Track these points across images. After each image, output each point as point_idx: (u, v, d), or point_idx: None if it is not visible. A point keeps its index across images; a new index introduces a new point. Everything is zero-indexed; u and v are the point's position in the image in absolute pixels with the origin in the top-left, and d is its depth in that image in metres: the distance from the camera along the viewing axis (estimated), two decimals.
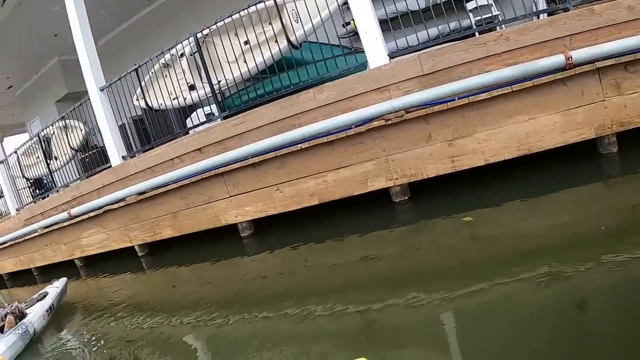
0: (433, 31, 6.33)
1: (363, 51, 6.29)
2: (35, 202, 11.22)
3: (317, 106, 6.20)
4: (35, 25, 11.53)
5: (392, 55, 6.10)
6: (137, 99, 8.55)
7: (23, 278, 11.83)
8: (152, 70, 8.30)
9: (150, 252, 8.70)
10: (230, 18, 7.06)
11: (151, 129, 8.46)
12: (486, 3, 8.24)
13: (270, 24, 7.05)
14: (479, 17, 7.88)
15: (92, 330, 5.95)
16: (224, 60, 7.25)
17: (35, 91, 15.50)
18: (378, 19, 6.26)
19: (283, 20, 6.85)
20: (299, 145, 6.28)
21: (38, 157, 10.97)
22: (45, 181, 11.66)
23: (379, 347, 3.41)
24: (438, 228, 5.38)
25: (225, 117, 7.17)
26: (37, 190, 11.78)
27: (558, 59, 5.23)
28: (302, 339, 4.04)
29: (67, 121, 10.00)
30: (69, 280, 7.88)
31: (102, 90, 8.43)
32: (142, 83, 8.23)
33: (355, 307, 4.14)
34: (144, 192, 7.90)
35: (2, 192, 12.47)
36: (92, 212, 8.78)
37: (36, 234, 10.35)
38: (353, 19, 6.50)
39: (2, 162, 11.97)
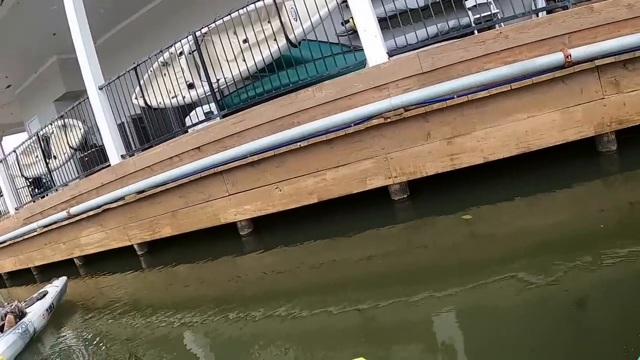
0: (432, 29, 6.33)
1: (362, 49, 6.27)
2: (34, 202, 11.22)
3: (316, 104, 6.20)
4: (34, 24, 11.51)
5: (391, 54, 6.09)
6: (136, 98, 8.54)
7: (22, 277, 11.83)
8: (151, 68, 8.28)
9: (149, 251, 8.69)
10: (229, 16, 7.04)
11: (150, 127, 8.46)
12: (485, 1, 8.25)
13: (269, 22, 7.04)
14: (477, 15, 7.88)
15: (91, 329, 5.95)
16: (223, 59, 7.24)
17: (34, 90, 15.49)
18: (377, 17, 6.25)
19: (282, 18, 6.84)
20: (298, 143, 6.28)
21: (37, 156, 10.96)
22: (44, 180, 11.64)
23: (379, 346, 3.41)
24: (437, 226, 5.39)
25: (224, 116, 7.17)
26: (36, 190, 11.77)
27: (557, 57, 5.22)
28: (302, 337, 4.05)
29: (66, 120, 9.99)
30: (68, 279, 7.88)
31: (100, 89, 8.42)
32: (141, 82, 8.22)
33: (354, 305, 4.15)
34: (143, 191, 7.90)
35: (1, 192, 12.46)
36: (91, 211, 8.78)
37: (35, 233, 10.35)
38: (352, 17, 6.49)
39: (1, 161, 11.98)
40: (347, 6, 6.32)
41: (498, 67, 5.44)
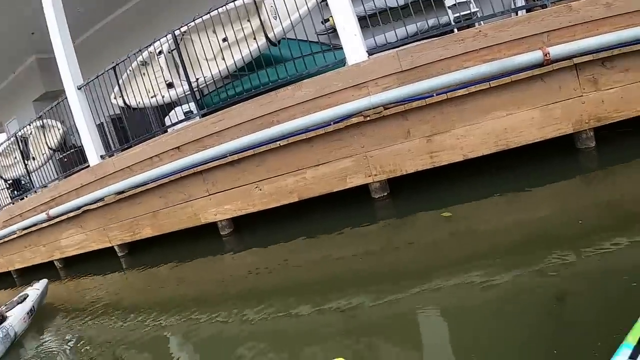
0: (412, 28, 6.32)
1: (342, 48, 6.26)
2: (13, 204, 11.06)
3: (295, 103, 6.16)
4: (12, 24, 11.33)
5: (370, 52, 6.08)
6: (115, 98, 8.46)
7: (2, 281, 11.61)
8: (130, 68, 8.21)
9: (130, 252, 8.60)
10: (208, 15, 7.01)
11: (130, 127, 8.37)
12: (465, 0, 8.26)
13: (248, 21, 7.02)
14: (457, 14, 7.90)
15: (73, 332, 5.90)
16: (203, 58, 7.21)
17: (13, 90, 15.21)
18: (357, 16, 6.24)
19: (261, 17, 6.81)
20: (278, 142, 6.24)
21: (16, 158, 10.81)
22: (23, 182, 11.50)
23: (359, 345, 3.41)
24: (417, 224, 5.40)
25: (203, 115, 7.11)
26: (16, 192, 11.63)
27: (536, 55, 5.25)
28: (282, 337, 4.03)
29: (45, 121, 9.88)
30: (49, 282, 7.79)
31: (79, 88, 8.31)
32: (120, 81, 8.14)
33: (335, 304, 4.14)
34: (122, 192, 7.80)
35: None
36: (71, 213, 8.67)
37: (15, 235, 10.17)
38: (332, 16, 6.48)
39: None
40: (327, 5, 6.30)
41: (477, 65, 5.46)
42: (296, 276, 5.28)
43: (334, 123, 5.96)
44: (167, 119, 8.17)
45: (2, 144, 11.23)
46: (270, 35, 6.90)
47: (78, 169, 9.02)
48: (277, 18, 6.88)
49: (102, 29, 13.09)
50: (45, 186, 9.97)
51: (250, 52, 6.97)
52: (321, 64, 6.39)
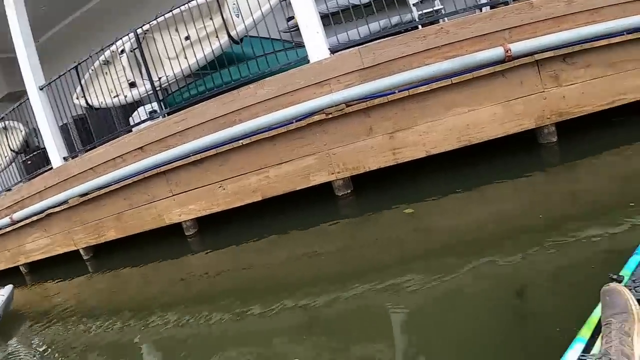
0: (374, 26, 6.33)
1: (304, 46, 6.23)
2: None
3: (258, 101, 6.11)
4: None
5: (333, 50, 6.06)
6: (77, 98, 8.33)
7: None
8: (92, 67, 8.09)
9: (95, 255, 8.45)
10: (170, 13, 6.93)
11: (93, 128, 8.24)
12: None
13: (211, 19, 6.95)
14: (421, 12, 7.92)
15: (40, 338, 5.78)
16: (165, 57, 7.13)
17: None
18: (319, 13, 6.22)
19: (224, 15, 6.75)
20: (240, 141, 6.18)
21: None
22: None
23: (322, 343, 3.40)
24: (380, 221, 5.38)
25: (166, 114, 7.03)
26: None
27: (497, 52, 5.29)
28: (245, 337, 3.99)
29: (7, 122, 9.69)
30: (14, 288, 7.63)
31: (41, 89, 8.15)
32: (82, 81, 8.02)
33: (297, 302, 4.13)
34: (86, 194, 7.66)
35: None
36: (35, 217, 8.49)
37: None
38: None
39: None
40: (290, 3, 6.27)
41: (439, 62, 5.47)
42: (259, 275, 5.23)
43: (296, 121, 5.91)
44: (131, 119, 8.06)
45: None
46: (233, 33, 6.83)
47: (42, 171, 8.86)
48: (240, 16, 6.81)
49: (67, 27, 12.84)
50: (9, 189, 9.78)
51: (212, 50, 6.90)
52: (283, 61, 6.36)
